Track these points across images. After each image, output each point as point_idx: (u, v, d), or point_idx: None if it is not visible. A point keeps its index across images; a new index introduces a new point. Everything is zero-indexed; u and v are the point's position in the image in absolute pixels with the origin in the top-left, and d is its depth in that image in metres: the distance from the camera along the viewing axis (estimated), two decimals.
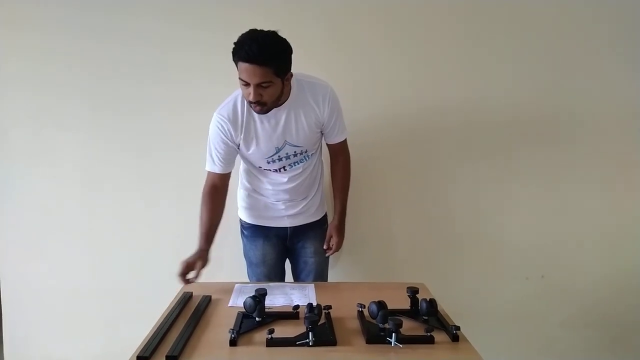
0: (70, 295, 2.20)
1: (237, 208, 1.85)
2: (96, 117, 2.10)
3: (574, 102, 2.13)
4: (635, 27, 2.07)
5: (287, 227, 1.78)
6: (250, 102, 1.48)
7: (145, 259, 2.19)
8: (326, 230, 1.85)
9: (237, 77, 1.44)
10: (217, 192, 1.68)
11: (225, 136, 1.60)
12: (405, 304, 1.41)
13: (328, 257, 1.88)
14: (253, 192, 1.77)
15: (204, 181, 1.70)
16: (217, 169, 1.65)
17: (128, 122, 2.10)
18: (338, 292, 1.60)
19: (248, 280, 1.86)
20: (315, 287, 1.62)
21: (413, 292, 1.41)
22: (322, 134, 1.71)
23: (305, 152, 1.66)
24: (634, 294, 2.25)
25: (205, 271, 1.62)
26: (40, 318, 2.23)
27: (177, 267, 2.13)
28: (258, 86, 1.41)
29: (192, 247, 2.14)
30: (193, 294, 1.54)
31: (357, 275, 2.07)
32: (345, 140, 1.77)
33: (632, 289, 2.24)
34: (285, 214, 1.76)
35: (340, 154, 1.78)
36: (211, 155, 1.65)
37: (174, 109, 2.09)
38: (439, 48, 2.07)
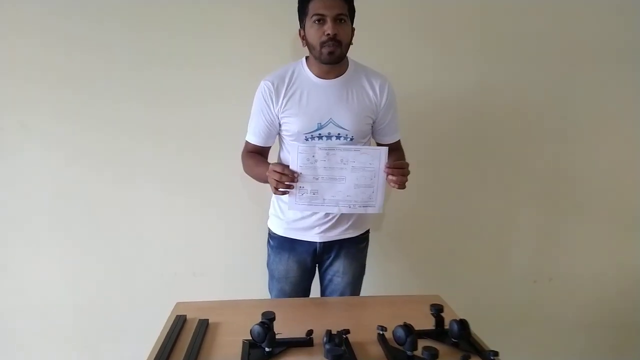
0: (42, 312, 1.98)
1: (268, 217, 1.68)
2: (68, 110, 1.85)
3: (583, 98, 2.04)
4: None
5: (316, 242, 1.58)
6: (324, 43, 1.37)
7: (127, 271, 1.98)
8: (363, 252, 1.67)
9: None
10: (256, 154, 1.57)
11: (267, 103, 1.48)
12: (426, 320, 1.28)
13: (361, 280, 1.70)
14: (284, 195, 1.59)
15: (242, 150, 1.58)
16: (256, 140, 1.54)
17: (105, 120, 1.86)
18: (351, 309, 1.45)
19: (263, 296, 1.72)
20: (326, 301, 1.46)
21: (437, 310, 1.27)
22: (373, 129, 1.55)
23: (351, 139, 1.48)
24: None
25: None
26: (6, 338, 2.00)
27: (163, 281, 1.97)
28: (336, 20, 1.36)
29: (179, 256, 1.98)
30: (187, 317, 1.35)
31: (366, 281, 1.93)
32: (399, 141, 1.61)
33: None
34: (316, 224, 1.55)
35: (394, 152, 1.55)
36: (251, 125, 1.54)
37: (155, 106, 1.87)
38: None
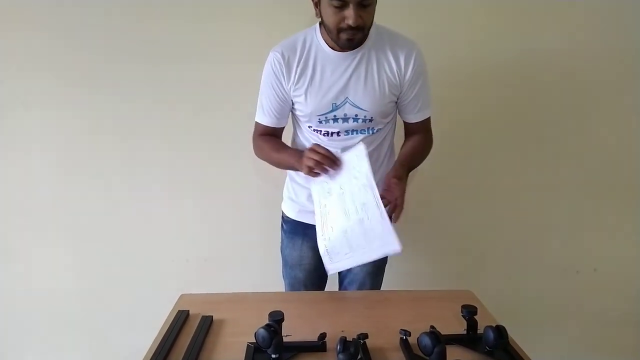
0: (50, 300, 1.93)
1: (282, 199, 1.57)
2: (70, 93, 1.75)
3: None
4: None
5: None
6: (343, 30, 1.17)
7: (136, 257, 1.91)
8: None
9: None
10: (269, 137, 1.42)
11: (277, 78, 1.30)
12: (455, 320, 1.15)
13: (382, 269, 1.55)
14: (297, 177, 1.46)
15: (252, 132, 1.44)
16: (268, 120, 1.38)
17: (109, 99, 1.76)
18: (371, 306, 1.30)
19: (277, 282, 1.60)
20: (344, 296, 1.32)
21: (470, 312, 1.11)
22: (397, 106, 1.35)
23: (370, 120, 1.30)
24: None
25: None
26: (14, 327, 1.96)
27: (171, 267, 1.88)
28: (359, 5, 1.13)
29: (188, 241, 1.88)
30: (190, 313, 1.23)
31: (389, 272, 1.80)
32: (429, 119, 1.39)
33: None
34: None
35: (419, 133, 1.39)
36: (261, 103, 1.38)
37: (160, 85, 1.76)
38: None
